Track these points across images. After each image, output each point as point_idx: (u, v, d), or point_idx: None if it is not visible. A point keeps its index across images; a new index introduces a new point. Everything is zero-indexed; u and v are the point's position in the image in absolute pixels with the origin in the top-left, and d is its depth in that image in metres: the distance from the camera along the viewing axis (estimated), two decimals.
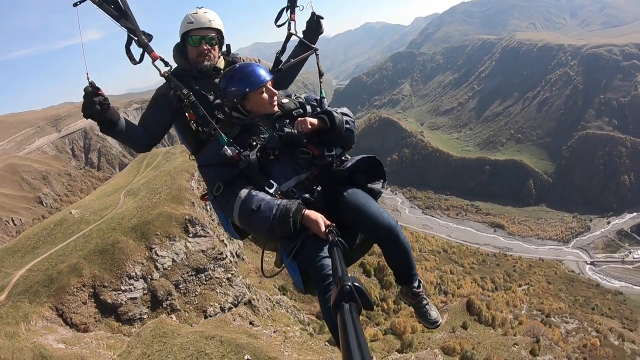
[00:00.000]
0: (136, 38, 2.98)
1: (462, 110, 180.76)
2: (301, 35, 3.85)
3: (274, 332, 19.43)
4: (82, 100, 2.83)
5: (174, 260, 27.96)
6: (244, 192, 2.80)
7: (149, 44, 3.04)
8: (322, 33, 3.94)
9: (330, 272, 2.46)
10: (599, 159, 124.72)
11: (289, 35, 3.80)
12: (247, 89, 3.04)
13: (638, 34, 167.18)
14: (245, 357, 13.26)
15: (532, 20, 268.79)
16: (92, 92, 2.80)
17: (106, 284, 24.31)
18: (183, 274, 28.12)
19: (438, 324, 3.33)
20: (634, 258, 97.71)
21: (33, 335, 18.07)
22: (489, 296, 58.78)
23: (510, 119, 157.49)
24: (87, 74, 2.85)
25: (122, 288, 24.73)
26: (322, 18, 3.87)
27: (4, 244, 45.92)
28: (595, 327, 57.23)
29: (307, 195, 2.97)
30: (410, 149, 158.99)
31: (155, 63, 3.06)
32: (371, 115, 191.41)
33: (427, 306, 3.33)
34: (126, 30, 2.95)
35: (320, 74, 3.72)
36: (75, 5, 2.78)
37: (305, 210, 2.70)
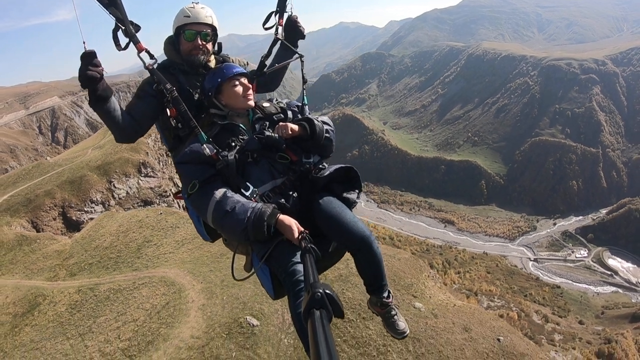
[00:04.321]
0: (124, 27, 2.94)
1: (425, 112, 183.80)
2: (286, 40, 3.81)
3: None
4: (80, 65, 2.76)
5: (127, 193, 35.18)
6: (219, 193, 2.74)
7: (136, 34, 3.00)
8: (303, 38, 3.90)
9: (302, 278, 2.43)
10: (550, 164, 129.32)
11: (276, 40, 3.77)
12: (219, 79, 3.09)
13: (599, 51, 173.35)
14: None
15: (501, 32, 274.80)
16: (88, 56, 2.74)
17: (73, 205, 31.50)
18: (134, 204, 35.01)
19: (405, 334, 3.24)
20: (576, 257, 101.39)
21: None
22: None
23: (469, 123, 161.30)
24: (84, 42, 2.72)
25: (85, 209, 31.86)
26: (297, 18, 3.82)
27: None
28: (520, 308, 58.66)
29: (282, 200, 2.90)
30: (371, 146, 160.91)
31: (141, 55, 3.02)
32: (335, 111, 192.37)
33: (395, 316, 3.25)
34: (114, 18, 2.91)
35: (304, 81, 3.68)
36: None
37: (279, 215, 2.65)
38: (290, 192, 2.99)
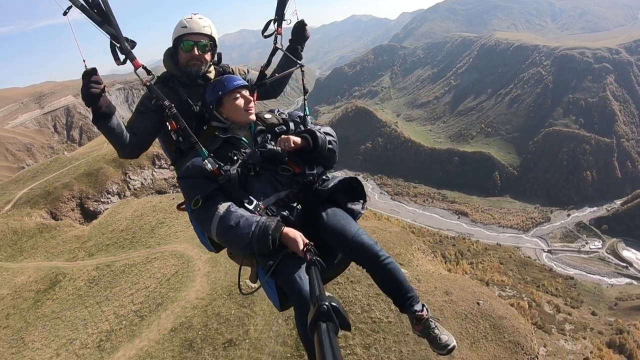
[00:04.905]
0: (119, 45, 2.93)
1: (438, 104, 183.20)
2: (287, 48, 3.77)
3: None
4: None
5: (142, 184, 36.87)
6: (222, 208, 2.75)
7: (132, 51, 2.99)
8: (307, 38, 3.83)
9: (308, 290, 2.43)
10: (563, 155, 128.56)
11: (275, 49, 3.70)
12: (219, 92, 3.10)
13: (612, 40, 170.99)
14: None
15: (514, 21, 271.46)
16: (89, 74, 2.79)
17: (90, 197, 33.18)
18: (148, 194, 35.67)
19: (450, 347, 2.96)
20: (590, 249, 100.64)
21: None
22: None
23: (482, 114, 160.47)
24: (84, 61, 2.81)
25: (102, 200, 33.60)
26: (306, 25, 3.75)
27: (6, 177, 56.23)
28: (532, 298, 58.27)
29: (286, 212, 2.94)
30: (384, 138, 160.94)
31: (137, 72, 3.03)
32: (348, 104, 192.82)
33: (435, 330, 3.02)
34: (109, 36, 2.91)
35: (305, 91, 3.65)
36: (64, 14, 2.76)
37: (284, 227, 2.65)
38: (294, 205, 3.03)
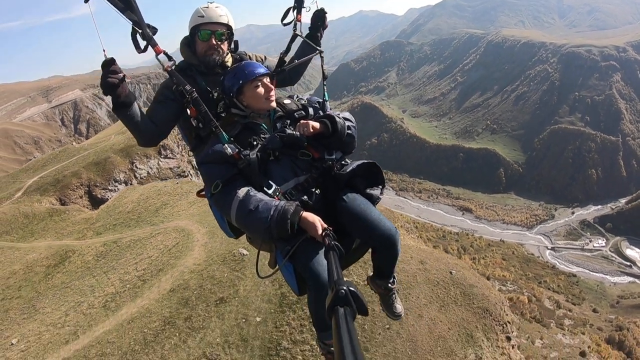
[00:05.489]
0: (141, 30, 2.94)
1: (444, 100, 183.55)
2: (307, 35, 3.78)
3: None
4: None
5: (148, 172, 38.10)
6: (242, 192, 2.74)
7: (154, 37, 2.99)
8: (326, 28, 3.87)
9: (325, 275, 2.46)
10: (569, 153, 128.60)
11: (294, 36, 3.70)
12: (240, 81, 3.05)
13: (620, 37, 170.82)
14: None
15: (521, 18, 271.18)
16: (108, 64, 2.85)
17: (98, 184, 34.57)
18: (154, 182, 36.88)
19: (401, 316, 3.51)
20: (593, 247, 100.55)
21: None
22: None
23: (488, 111, 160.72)
24: (104, 51, 2.89)
25: (109, 188, 34.87)
26: (326, 13, 3.80)
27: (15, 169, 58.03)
28: (532, 293, 57.95)
29: (305, 197, 2.93)
30: (390, 134, 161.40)
31: (159, 57, 3.02)
32: (354, 100, 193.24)
33: (394, 298, 3.47)
34: (131, 22, 2.92)
35: (324, 76, 3.62)
36: (86, 1, 2.75)
37: (303, 212, 2.64)
38: (313, 189, 3.01)
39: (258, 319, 12.49)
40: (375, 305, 11.10)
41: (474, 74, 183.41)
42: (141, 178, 37.21)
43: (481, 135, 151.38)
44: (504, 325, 13.81)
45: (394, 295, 3.52)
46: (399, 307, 3.51)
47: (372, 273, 3.59)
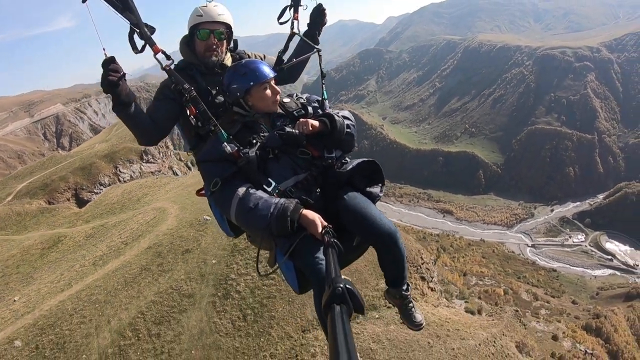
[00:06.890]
0: (138, 30, 2.92)
1: (423, 106, 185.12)
2: (304, 33, 3.78)
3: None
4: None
5: (131, 176, 39.70)
6: (241, 190, 2.75)
7: (152, 36, 2.98)
8: (325, 24, 3.86)
9: (324, 273, 2.35)
10: (546, 152, 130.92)
11: (292, 35, 3.73)
12: (251, 83, 3.02)
13: (593, 38, 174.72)
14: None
15: (497, 23, 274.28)
16: (108, 62, 2.85)
17: (84, 188, 36.50)
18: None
19: (422, 326, 3.41)
20: (573, 242, 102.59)
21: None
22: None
23: (466, 115, 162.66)
24: (104, 49, 2.89)
25: (95, 191, 36.52)
26: (324, 8, 3.78)
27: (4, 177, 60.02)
28: (510, 287, 58.34)
29: (305, 195, 2.94)
30: (370, 140, 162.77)
31: (157, 56, 2.98)
32: (335, 109, 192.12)
33: (412, 308, 3.38)
34: (129, 22, 2.90)
35: (323, 75, 3.65)
36: (83, 1, 2.76)
37: (303, 209, 2.64)
38: (313, 188, 3.02)
39: (214, 261, 16.43)
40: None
41: (452, 79, 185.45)
42: (124, 181, 39.07)
43: (460, 139, 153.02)
44: (418, 267, 16.79)
45: (411, 304, 3.43)
46: (419, 316, 3.42)
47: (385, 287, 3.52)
